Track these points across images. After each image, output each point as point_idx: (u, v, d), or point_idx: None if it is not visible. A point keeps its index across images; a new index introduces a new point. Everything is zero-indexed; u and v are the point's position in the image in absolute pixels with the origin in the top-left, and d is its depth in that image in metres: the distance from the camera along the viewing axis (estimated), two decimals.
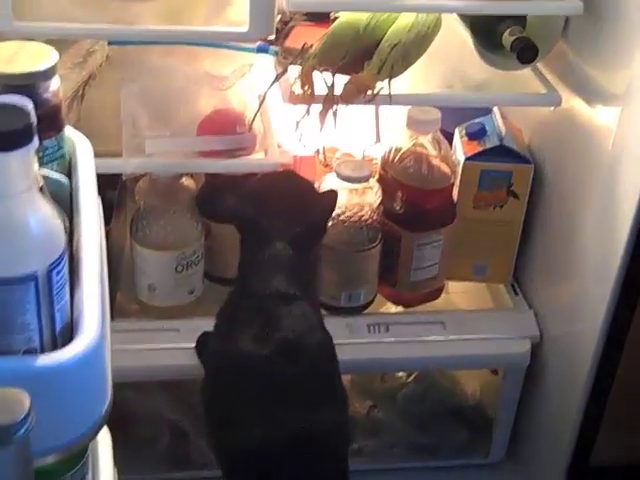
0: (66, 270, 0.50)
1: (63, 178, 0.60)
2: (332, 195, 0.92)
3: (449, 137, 1.11)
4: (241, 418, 0.86)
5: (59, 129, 0.61)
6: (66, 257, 0.49)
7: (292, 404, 0.85)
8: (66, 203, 0.59)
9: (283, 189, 0.93)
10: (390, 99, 0.91)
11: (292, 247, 0.88)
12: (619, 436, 1.06)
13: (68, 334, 0.50)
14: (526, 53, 0.90)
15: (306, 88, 0.88)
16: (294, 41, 1.00)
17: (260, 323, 0.87)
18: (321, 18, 1.03)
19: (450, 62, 1.04)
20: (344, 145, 1.18)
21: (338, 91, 0.90)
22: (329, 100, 0.89)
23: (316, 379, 0.87)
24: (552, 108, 1.01)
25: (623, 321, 0.97)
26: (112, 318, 1.00)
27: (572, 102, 1.00)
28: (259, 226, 0.89)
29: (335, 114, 0.89)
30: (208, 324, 0.94)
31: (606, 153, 0.93)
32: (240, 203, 0.90)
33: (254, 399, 0.86)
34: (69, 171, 0.62)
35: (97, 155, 0.89)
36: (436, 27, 0.97)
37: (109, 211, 1.00)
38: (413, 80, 0.98)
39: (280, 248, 0.88)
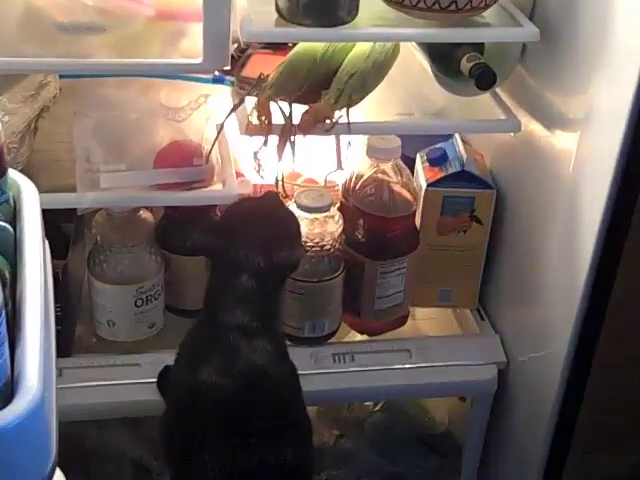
0: (4, 327, 0.48)
1: (6, 225, 0.58)
2: (301, 250, 0.91)
3: (411, 162, 1.10)
4: (202, 451, 0.84)
5: (2, 174, 0.59)
6: (4, 314, 0.47)
7: (254, 437, 0.84)
8: (10, 251, 0.57)
9: (259, 217, 0.90)
10: (349, 128, 0.90)
11: (258, 280, 0.86)
12: (588, 459, 1.06)
13: (9, 393, 0.48)
14: (484, 79, 0.90)
15: (263, 119, 0.87)
16: (252, 70, 0.99)
17: (222, 355, 0.85)
18: (279, 46, 1.02)
19: (410, 88, 1.03)
20: (307, 171, 1.17)
21: (296, 121, 0.89)
22: (286, 131, 0.88)
23: (278, 411, 0.86)
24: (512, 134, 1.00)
25: (589, 344, 0.96)
26: (70, 354, 1.00)
27: (532, 127, 0.99)
28: (226, 257, 0.87)
29: (293, 145, 0.88)
30: (170, 358, 0.93)
31: (566, 177, 0.93)
32: (210, 232, 0.88)
33: (215, 432, 0.84)
34: (14, 216, 0.60)
35: (51, 189, 0.88)
36: (394, 54, 0.97)
37: (65, 244, 0.98)
38: (372, 108, 0.97)
39: (245, 280, 0.86)
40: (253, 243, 0.87)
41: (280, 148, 0.88)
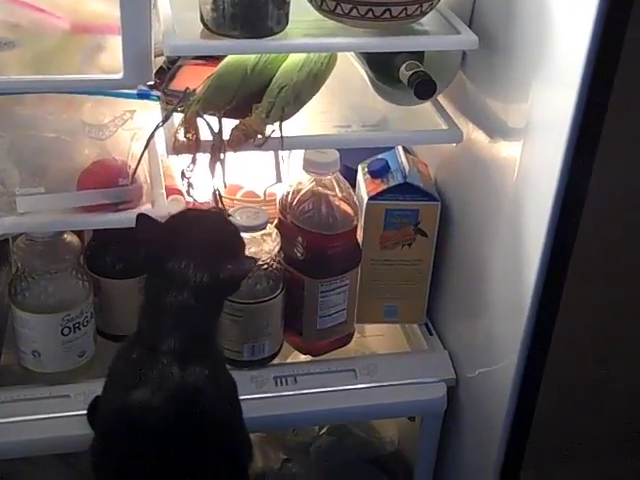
0: None
1: None
2: (250, 262, 0.86)
3: (353, 174, 1.07)
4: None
5: None
6: None
7: (186, 463, 0.81)
8: None
9: (203, 228, 0.84)
10: (282, 144, 0.86)
11: (199, 297, 0.81)
12: (541, 474, 1.04)
13: None
14: (423, 88, 0.86)
15: (190, 136, 0.83)
16: (181, 82, 0.94)
17: (155, 380, 0.80)
18: (211, 57, 0.97)
19: (350, 99, 1.00)
20: (247, 184, 1.13)
21: (226, 137, 0.84)
22: (216, 148, 0.83)
23: (212, 438, 0.82)
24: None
25: (538, 358, 0.94)
26: None
27: (475, 135, 0.96)
28: (166, 270, 0.81)
29: (223, 163, 0.84)
30: (102, 387, 0.88)
31: (510, 187, 0.90)
32: (150, 243, 0.83)
33: (147, 461, 0.80)
34: None
35: None
36: (330, 64, 0.93)
37: None
38: (310, 120, 0.93)
39: (186, 297, 0.80)
40: (197, 255, 0.81)
41: (211, 166, 0.84)
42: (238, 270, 0.83)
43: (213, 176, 0.86)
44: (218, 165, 0.85)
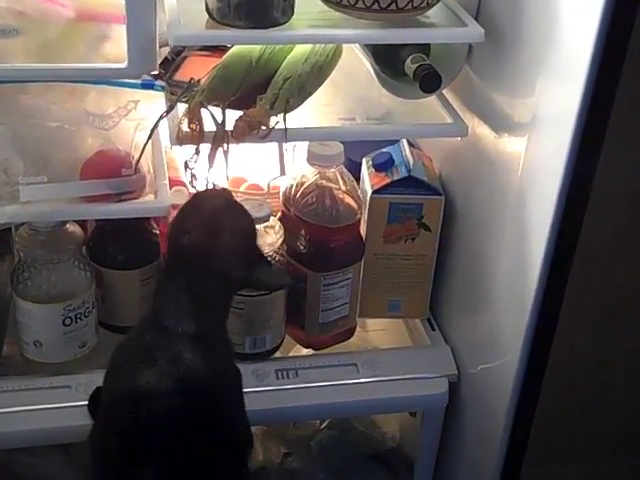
0: None
1: None
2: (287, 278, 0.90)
3: (357, 167, 1.06)
4: (138, 465, 0.80)
5: None
6: None
7: (189, 449, 0.80)
8: None
9: (228, 220, 0.83)
10: (286, 136, 0.85)
11: (226, 289, 0.83)
12: (542, 471, 1.04)
13: None
14: (428, 82, 0.86)
15: (193, 126, 0.82)
16: (186, 73, 0.94)
17: (166, 363, 0.80)
18: (216, 47, 0.97)
19: (355, 92, 0.99)
20: (251, 176, 1.13)
21: (229, 128, 0.84)
22: (219, 138, 0.83)
23: (217, 425, 0.82)
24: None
25: (541, 354, 0.93)
26: None
27: (480, 130, 0.96)
28: (202, 264, 0.81)
29: (226, 154, 0.84)
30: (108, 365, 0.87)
31: (515, 182, 0.89)
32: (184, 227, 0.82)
33: (149, 444, 0.80)
34: None
35: None
36: (335, 56, 0.93)
37: None
38: (314, 112, 0.93)
39: (213, 289, 0.81)
40: (235, 248, 0.82)
41: (212, 157, 0.83)
42: (273, 282, 0.89)
43: (211, 167, 0.85)
44: (217, 156, 0.85)
